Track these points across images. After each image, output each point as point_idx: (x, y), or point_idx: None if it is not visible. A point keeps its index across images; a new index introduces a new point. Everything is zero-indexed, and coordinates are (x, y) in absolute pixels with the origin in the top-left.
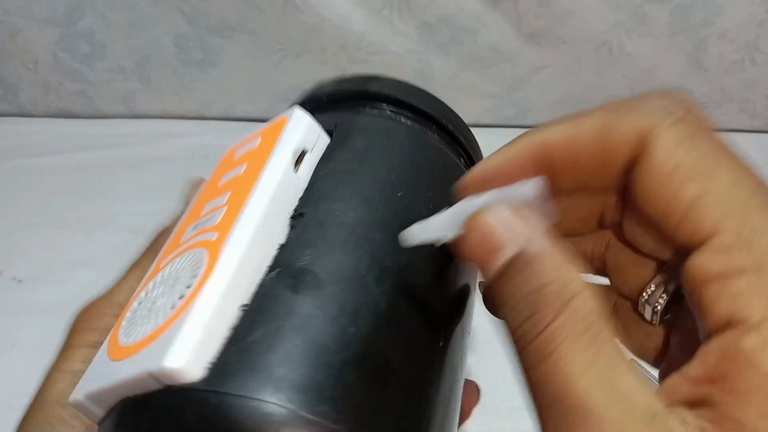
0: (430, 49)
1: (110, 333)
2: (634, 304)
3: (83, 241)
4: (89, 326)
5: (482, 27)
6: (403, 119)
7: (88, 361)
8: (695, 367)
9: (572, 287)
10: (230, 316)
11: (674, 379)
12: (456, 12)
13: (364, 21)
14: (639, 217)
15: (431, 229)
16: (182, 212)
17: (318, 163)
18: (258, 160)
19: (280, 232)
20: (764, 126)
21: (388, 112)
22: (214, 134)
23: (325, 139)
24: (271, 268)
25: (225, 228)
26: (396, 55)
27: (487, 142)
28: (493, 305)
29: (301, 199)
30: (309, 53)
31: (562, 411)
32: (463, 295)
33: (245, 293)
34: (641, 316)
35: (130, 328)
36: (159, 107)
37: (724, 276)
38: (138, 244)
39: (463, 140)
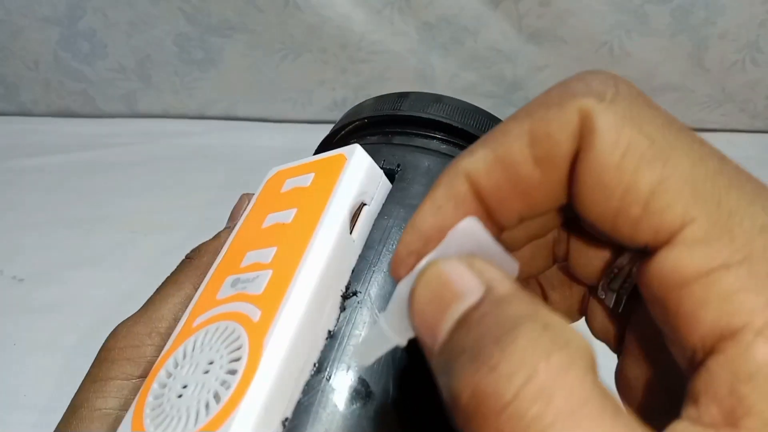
0: (430, 48)
1: (134, 403)
2: (593, 290)
3: (83, 241)
4: (125, 356)
5: (483, 27)
6: None
7: (123, 396)
8: (708, 409)
9: (566, 333)
10: None
11: (684, 428)
12: (456, 12)
13: (364, 21)
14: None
15: (381, 340)
16: (227, 231)
17: (375, 220)
18: (310, 210)
19: (329, 314)
20: (765, 126)
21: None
22: (214, 134)
23: (386, 186)
24: (318, 368)
25: (269, 308)
26: (396, 54)
27: None
28: (443, 379)
29: (355, 270)
30: (309, 53)
31: None
32: None
33: (288, 402)
34: (599, 301)
35: (158, 415)
36: (159, 107)
37: (705, 274)
38: (138, 243)
39: None
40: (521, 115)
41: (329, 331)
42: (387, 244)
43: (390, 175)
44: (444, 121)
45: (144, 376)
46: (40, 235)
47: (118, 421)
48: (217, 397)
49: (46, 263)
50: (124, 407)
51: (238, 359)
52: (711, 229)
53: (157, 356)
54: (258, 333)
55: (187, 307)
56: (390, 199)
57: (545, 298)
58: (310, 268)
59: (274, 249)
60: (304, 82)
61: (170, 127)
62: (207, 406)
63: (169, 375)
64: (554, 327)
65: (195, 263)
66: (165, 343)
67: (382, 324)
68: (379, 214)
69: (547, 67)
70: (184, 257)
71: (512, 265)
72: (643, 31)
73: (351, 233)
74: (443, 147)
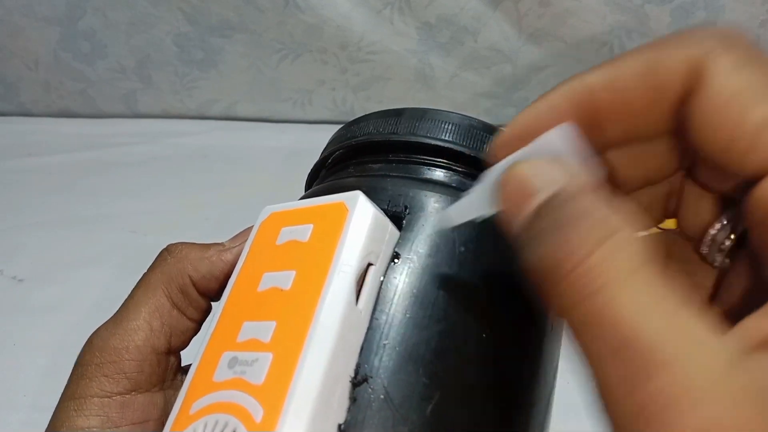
0: (430, 49)
1: None
2: (696, 245)
3: (83, 241)
4: (103, 373)
5: (483, 27)
6: None
7: (104, 414)
8: None
9: (616, 223)
10: None
11: (753, 320)
12: (456, 12)
13: (364, 21)
14: (700, 156)
15: (469, 208)
16: (218, 246)
17: (384, 280)
18: (310, 275)
19: (339, 406)
20: None
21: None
22: (214, 134)
23: (393, 237)
24: None
25: (272, 405)
26: (396, 55)
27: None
28: (523, 251)
29: (364, 347)
30: (309, 53)
31: (622, 358)
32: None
33: None
34: (702, 257)
35: None
36: (159, 107)
37: None
38: (138, 244)
39: None
40: (645, 46)
41: (339, 426)
42: (397, 309)
43: (396, 219)
44: (457, 149)
45: (123, 392)
46: (40, 235)
47: None
48: None
49: (46, 263)
50: (106, 425)
51: None
52: None
53: (136, 372)
54: None
55: (160, 315)
56: (401, 252)
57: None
58: (315, 354)
59: (273, 324)
60: (304, 82)
61: (170, 127)
62: None
63: None
64: (610, 219)
65: (169, 263)
66: (142, 357)
67: (474, 197)
68: (392, 273)
69: (547, 67)
70: (163, 248)
71: (597, 172)
72: (643, 31)
73: (357, 303)
74: (455, 179)
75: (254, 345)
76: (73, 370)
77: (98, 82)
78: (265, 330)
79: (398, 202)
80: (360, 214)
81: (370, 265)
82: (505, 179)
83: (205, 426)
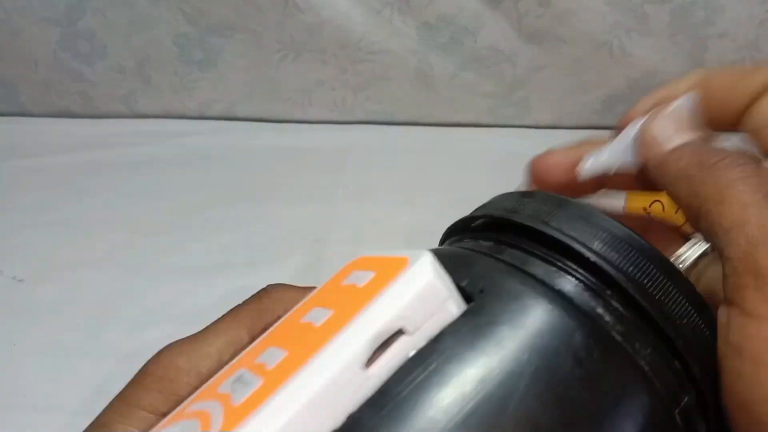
0: (430, 49)
1: None
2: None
3: (83, 241)
4: (158, 387)
5: (482, 27)
6: (614, 323)
7: (145, 429)
8: None
9: (746, 158)
10: None
11: None
12: (456, 12)
13: (364, 21)
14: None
15: (604, 159)
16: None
17: (415, 356)
18: (341, 318)
19: None
20: None
21: (586, 297)
22: (214, 134)
23: (447, 314)
24: None
25: (228, 426)
26: (396, 55)
27: (488, 141)
28: (662, 167)
29: (354, 417)
30: (309, 53)
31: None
32: None
33: None
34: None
35: None
36: (159, 107)
37: None
38: (138, 244)
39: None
40: (738, 68)
41: None
42: (411, 396)
43: (468, 299)
44: (578, 249)
45: (169, 413)
46: (40, 235)
47: None
48: None
49: (46, 263)
50: None
51: None
52: None
53: (189, 396)
54: None
55: (235, 350)
56: (449, 333)
57: None
58: (287, 398)
59: (284, 354)
60: (304, 82)
61: (170, 127)
62: None
63: None
64: (742, 156)
65: (263, 302)
66: (201, 384)
67: (611, 149)
68: (428, 352)
69: (547, 67)
70: (267, 285)
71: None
72: (643, 31)
73: (368, 366)
74: (561, 281)
75: (260, 368)
76: (137, 372)
77: (98, 82)
78: (275, 357)
79: (477, 284)
80: (413, 274)
81: (401, 331)
82: (650, 118)
83: (184, 426)
